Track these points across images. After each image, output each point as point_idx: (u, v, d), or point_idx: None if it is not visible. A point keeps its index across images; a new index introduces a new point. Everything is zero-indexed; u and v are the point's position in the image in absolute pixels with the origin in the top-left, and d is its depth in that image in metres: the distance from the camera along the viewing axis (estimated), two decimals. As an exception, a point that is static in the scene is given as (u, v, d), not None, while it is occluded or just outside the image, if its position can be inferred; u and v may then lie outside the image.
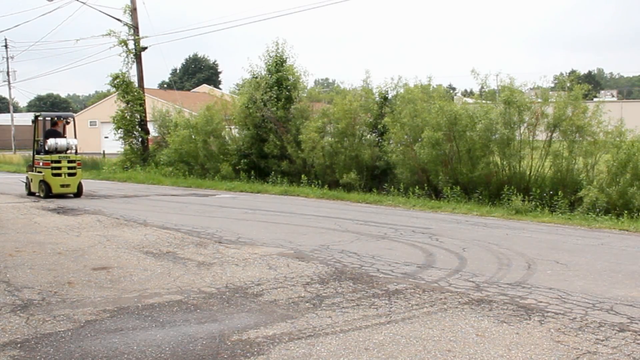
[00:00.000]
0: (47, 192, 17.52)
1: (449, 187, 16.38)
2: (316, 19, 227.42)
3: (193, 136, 24.64)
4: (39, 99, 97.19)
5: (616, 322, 5.59)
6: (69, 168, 17.65)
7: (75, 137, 18.60)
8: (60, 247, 9.29)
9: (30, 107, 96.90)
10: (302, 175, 20.56)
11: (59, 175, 17.49)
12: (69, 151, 18.16)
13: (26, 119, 72.60)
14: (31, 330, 5.36)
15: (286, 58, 23.27)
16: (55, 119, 18.67)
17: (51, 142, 17.64)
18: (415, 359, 4.73)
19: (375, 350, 4.89)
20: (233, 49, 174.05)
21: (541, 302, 6.29)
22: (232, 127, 24.47)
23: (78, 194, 17.99)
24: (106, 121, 41.62)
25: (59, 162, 17.46)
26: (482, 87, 17.87)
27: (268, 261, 8.29)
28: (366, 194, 18.09)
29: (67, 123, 18.93)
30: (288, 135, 21.68)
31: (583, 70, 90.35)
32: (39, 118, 18.71)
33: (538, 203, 14.51)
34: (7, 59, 58.49)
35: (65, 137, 18.53)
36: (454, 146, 16.78)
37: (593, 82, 73.23)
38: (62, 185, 17.62)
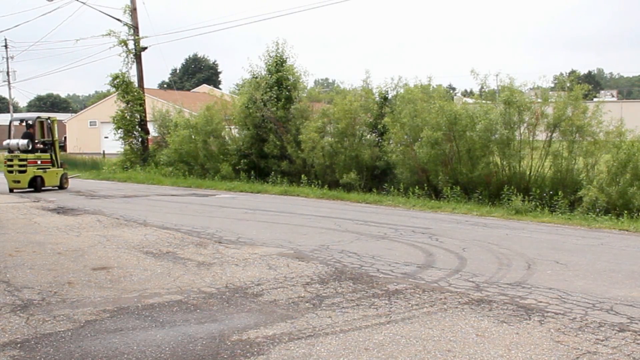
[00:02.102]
0: (9, 187, 19.65)
1: (449, 187, 16.38)
2: (316, 19, 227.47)
3: (193, 136, 24.64)
4: (39, 99, 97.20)
5: (616, 322, 5.59)
6: (20, 166, 19.35)
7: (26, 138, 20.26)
8: (60, 247, 9.29)
9: (30, 107, 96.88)
10: (302, 175, 20.56)
11: (11, 172, 19.41)
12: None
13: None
14: (31, 330, 5.35)
15: (286, 58, 23.27)
16: (20, 122, 21.31)
17: (4, 143, 20.17)
18: (415, 359, 4.73)
19: (375, 350, 4.89)
20: (233, 49, 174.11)
21: (541, 302, 6.29)
22: (232, 127, 24.47)
23: (35, 189, 19.55)
24: (106, 121, 41.61)
25: (11, 160, 19.43)
26: (482, 87, 17.89)
27: (268, 261, 8.29)
28: (366, 194, 18.08)
29: (49, 125, 20.96)
30: (288, 135, 21.68)
31: (583, 70, 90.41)
32: (13, 122, 21.37)
33: (538, 203, 14.50)
34: (7, 59, 58.50)
35: (42, 138, 20.69)
36: (453, 146, 16.78)
37: (593, 82, 73.15)
38: (14, 181, 19.52)
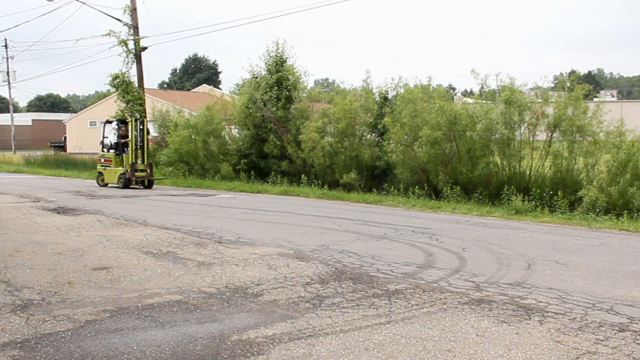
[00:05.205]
0: None
1: (449, 187, 16.38)
2: (316, 19, 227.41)
3: (193, 136, 24.66)
4: (39, 99, 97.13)
5: (616, 322, 5.59)
6: None
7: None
8: (60, 247, 9.29)
9: (30, 107, 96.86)
10: (302, 175, 20.57)
11: None
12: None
13: (26, 119, 72.75)
14: (31, 330, 5.35)
15: (286, 58, 23.28)
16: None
17: None
18: (415, 359, 4.73)
19: (375, 350, 4.88)
20: (233, 49, 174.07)
21: (541, 302, 6.29)
22: (232, 127, 24.48)
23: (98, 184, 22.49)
24: (106, 121, 41.51)
25: None
26: (482, 87, 17.92)
27: (268, 261, 8.29)
28: (366, 194, 18.08)
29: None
30: (288, 135, 21.69)
31: (583, 70, 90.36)
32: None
33: (538, 203, 14.51)
34: (7, 59, 58.49)
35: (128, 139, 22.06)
36: (454, 146, 16.78)
37: (593, 82, 73.00)
38: None
